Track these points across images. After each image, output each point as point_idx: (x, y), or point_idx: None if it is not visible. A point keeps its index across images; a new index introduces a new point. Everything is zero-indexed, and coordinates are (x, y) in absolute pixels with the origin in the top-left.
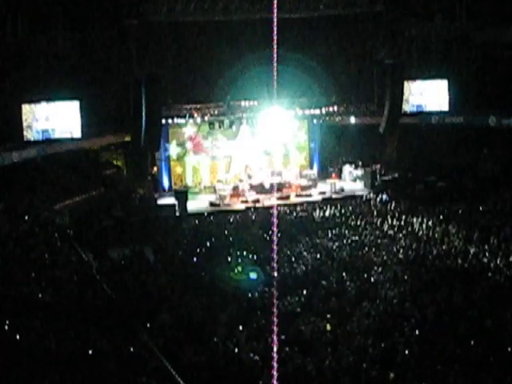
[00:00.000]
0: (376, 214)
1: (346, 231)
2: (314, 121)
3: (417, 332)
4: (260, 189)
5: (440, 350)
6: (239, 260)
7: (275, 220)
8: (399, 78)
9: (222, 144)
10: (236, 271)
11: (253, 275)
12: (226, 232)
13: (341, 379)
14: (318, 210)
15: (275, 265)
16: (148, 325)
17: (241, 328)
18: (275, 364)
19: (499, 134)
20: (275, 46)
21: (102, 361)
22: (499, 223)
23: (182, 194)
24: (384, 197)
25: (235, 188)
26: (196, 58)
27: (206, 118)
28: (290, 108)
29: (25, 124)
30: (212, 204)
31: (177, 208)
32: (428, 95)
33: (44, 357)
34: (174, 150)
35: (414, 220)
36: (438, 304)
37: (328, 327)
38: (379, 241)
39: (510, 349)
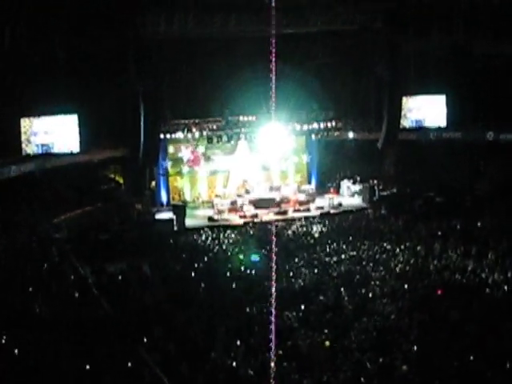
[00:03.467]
0: (374, 229)
1: (344, 246)
2: (312, 136)
3: (415, 347)
4: (258, 204)
5: (438, 365)
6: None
7: (273, 235)
8: (397, 93)
9: (220, 159)
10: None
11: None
12: (223, 247)
13: None
14: (316, 225)
15: (273, 279)
16: (145, 339)
17: (238, 343)
18: (273, 379)
19: (497, 149)
20: (273, 62)
21: (100, 376)
22: (497, 238)
23: (180, 209)
24: (382, 212)
25: (233, 203)
26: (194, 72)
27: (205, 133)
28: (288, 123)
29: (24, 138)
30: (210, 219)
31: (175, 223)
32: (426, 110)
33: (41, 371)
34: (172, 164)
35: (412, 235)
36: (435, 319)
37: (327, 343)
38: (377, 256)
39: (508, 364)
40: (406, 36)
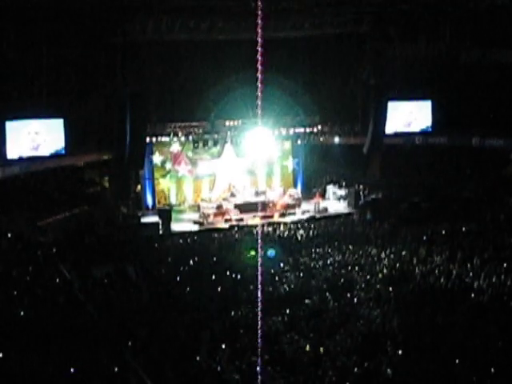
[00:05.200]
0: (359, 233)
1: (330, 250)
2: (298, 141)
3: (400, 352)
4: (244, 208)
5: (423, 369)
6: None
7: (259, 239)
8: (383, 98)
9: (205, 163)
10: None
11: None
12: (209, 251)
13: None
14: (301, 230)
15: (259, 284)
16: (130, 343)
17: (223, 347)
18: None
19: (482, 155)
20: (260, 66)
21: (85, 380)
22: (482, 243)
23: (166, 213)
24: (368, 216)
25: (219, 207)
26: (180, 76)
27: (190, 137)
28: (274, 128)
29: (8, 141)
30: (196, 223)
31: (160, 226)
32: (412, 116)
33: (26, 375)
34: (157, 168)
35: (398, 240)
36: (420, 324)
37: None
38: (362, 260)
39: (492, 369)
40: (391, 41)
